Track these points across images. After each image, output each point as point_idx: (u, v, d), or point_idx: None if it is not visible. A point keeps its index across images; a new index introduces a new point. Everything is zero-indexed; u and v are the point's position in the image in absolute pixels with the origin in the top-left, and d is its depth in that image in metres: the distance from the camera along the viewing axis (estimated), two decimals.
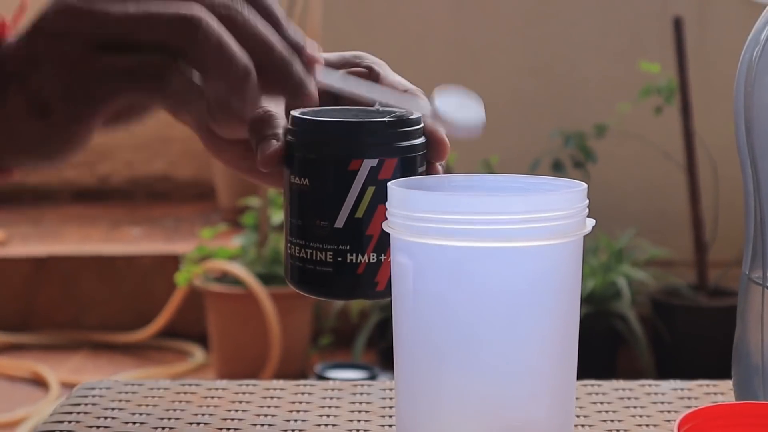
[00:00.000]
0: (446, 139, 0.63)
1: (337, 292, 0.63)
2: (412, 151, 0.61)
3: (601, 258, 2.57)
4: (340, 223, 0.60)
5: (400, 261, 0.55)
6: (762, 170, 0.65)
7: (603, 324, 2.50)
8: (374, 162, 0.60)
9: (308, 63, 0.60)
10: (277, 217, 2.63)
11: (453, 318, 0.53)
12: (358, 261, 0.60)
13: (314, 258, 0.61)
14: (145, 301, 2.90)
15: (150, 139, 3.71)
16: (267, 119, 0.63)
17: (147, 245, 3.05)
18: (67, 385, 2.55)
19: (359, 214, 0.60)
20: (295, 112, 0.63)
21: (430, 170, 0.64)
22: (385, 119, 0.61)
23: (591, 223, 0.57)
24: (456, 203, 0.53)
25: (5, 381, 2.68)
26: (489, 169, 2.54)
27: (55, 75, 0.55)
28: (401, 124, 0.61)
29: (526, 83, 2.88)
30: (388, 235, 0.59)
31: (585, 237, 0.56)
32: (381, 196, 0.59)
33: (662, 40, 2.72)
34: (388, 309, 2.78)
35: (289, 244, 0.63)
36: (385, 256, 0.61)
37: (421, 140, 0.62)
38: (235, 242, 2.68)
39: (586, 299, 2.46)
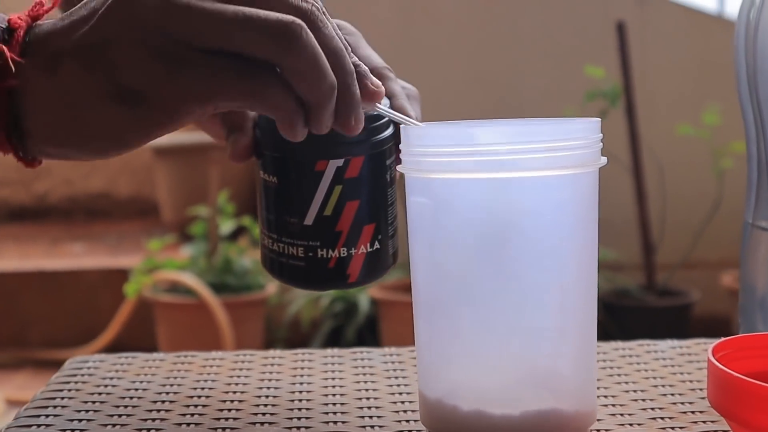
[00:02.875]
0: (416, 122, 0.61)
1: (310, 285, 0.63)
2: (379, 146, 0.60)
3: None
4: (309, 220, 0.60)
5: (417, 201, 0.54)
6: (767, 117, 0.66)
7: None
8: (340, 162, 0.59)
9: (366, 93, 0.55)
10: (226, 226, 2.60)
11: (475, 252, 0.52)
12: (329, 256, 0.60)
13: (287, 252, 0.61)
14: (91, 316, 2.84)
15: None
16: (236, 111, 0.61)
17: (91, 260, 2.99)
18: (14, 403, 2.49)
19: (328, 212, 0.59)
20: None
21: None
22: None
23: (605, 159, 0.57)
24: (474, 135, 0.51)
25: None
26: None
27: (148, 66, 0.50)
28: (367, 121, 0.58)
29: (471, 88, 2.89)
30: (358, 228, 0.59)
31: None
32: (349, 193, 0.59)
33: (606, 44, 2.76)
34: (339, 317, 2.74)
35: (263, 235, 0.63)
36: (355, 249, 0.60)
37: (388, 132, 0.61)
38: (184, 253, 2.65)
39: None
